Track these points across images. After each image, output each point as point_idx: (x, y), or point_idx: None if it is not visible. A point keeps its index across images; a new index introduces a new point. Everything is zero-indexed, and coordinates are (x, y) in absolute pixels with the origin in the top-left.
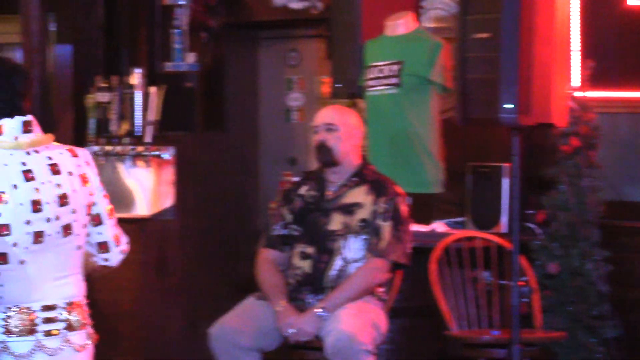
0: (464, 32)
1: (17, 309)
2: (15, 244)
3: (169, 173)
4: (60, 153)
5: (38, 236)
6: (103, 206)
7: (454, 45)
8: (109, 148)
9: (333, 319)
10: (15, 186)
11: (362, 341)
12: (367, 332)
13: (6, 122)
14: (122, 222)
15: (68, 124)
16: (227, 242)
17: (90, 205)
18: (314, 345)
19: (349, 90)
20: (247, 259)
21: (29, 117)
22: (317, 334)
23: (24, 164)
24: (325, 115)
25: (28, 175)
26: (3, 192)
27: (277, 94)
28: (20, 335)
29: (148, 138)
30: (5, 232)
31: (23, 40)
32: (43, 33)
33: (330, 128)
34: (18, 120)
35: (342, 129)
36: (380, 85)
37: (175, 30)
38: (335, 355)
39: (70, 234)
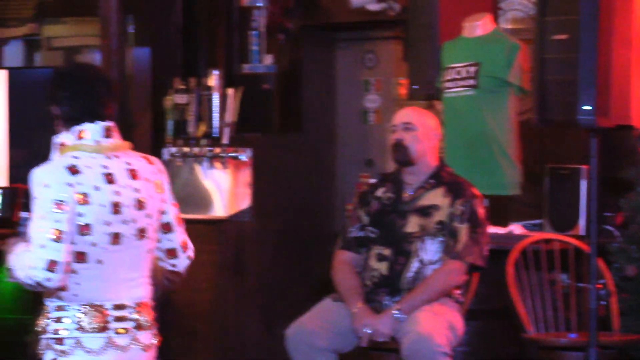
0: (542, 33)
1: (91, 307)
2: (94, 244)
3: (246, 174)
4: (138, 160)
5: (116, 237)
6: (173, 214)
7: (532, 46)
8: (186, 149)
9: (410, 320)
10: (97, 188)
11: (438, 343)
12: (444, 334)
13: (88, 126)
14: (199, 224)
15: (146, 125)
16: (304, 243)
17: (162, 212)
18: (390, 347)
19: (426, 92)
20: (324, 261)
21: (111, 123)
22: (393, 335)
23: (105, 167)
24: (404, 114)
25: (109, 178)
26: (86, 194)
27: (354, 95)
28: (93, 332)
29: (225, 140)
30: (86, 232)
31: (102, 42)
32: (122, 35)
33: (407, 127)
34: (100, 125)
35: (419, 129)
36: (457, 87)
37: (253, 32)
38: (411, 356)
39: (144, 237)
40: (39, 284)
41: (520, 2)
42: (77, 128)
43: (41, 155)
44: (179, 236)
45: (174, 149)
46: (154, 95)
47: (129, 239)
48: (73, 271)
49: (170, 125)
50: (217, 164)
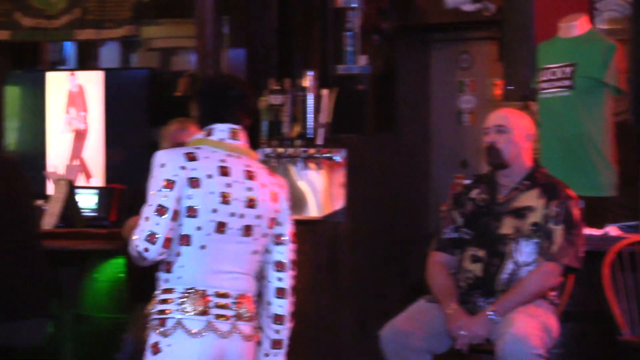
0: (638, 33)
1: (194, 291)
2: (199, 228)
3: (340, 175)
4: (259, 167)
5: (221, 226)
6: (288, 229)
7: (628, 47)
8: (280, 150)
9: (504, 322)
10: (210, 176)
11: (533, 345)
12: (539, 336)
13: (217, 126)
14: (294, 224)
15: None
16: (398, 244)
17: (276, 223)
18: (485, 349)
19: (521, 93)
20: (418, 262)
21: (238, 127)
22: (487, 337)
23: (222, 160)
24: (497, 116)
25: (224, 171)
26: (198, 179)
27: (449, 96)
28: (194, 315)
29: (320, 140)
30: (192, 214)
31: (197, 43)
32: (217, 37)
33: (500, 130)
34: (227, 126)
35: (513, 131)
36: (553, 88)
37: (348, 33)
38: (506, 358)
39: (250, 235)
40: (139, 253)
41: (616, 2)
42: (208, 127)
43: (136, 155)
44: (290, 252)
45: (268, 150)
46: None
47: (234, 233)
48: (178, 253)
49: (264, 126)
50: (312, 165)
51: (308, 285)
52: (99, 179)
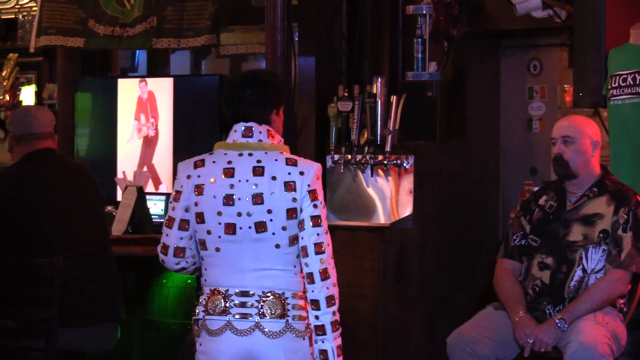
0: None
1: (216, 291)
2: (209, 232)
3: (409, 182)
4: (275, 160)
5: (230, 227)
6: (308, 213)
7: None
8: (349, 157)
9: (572, 329)
10: (213, 180)
11: (601, 353)
12: (607, 343)
13: (234, 126)
14: (362, 231)
15: (311, 133)
16: (466, 250)
17: (294, 211)
18: (552, 356)
19: (592, 100)
20: (486, 269)
21: (250, 124)
22: (555, 345)
23: (229, 162)
24: (563, 126)
25: (228, 173)
26: (203, 184)
27: (519, 103)
28: (214, 315)
29: (388, 147)
30: (200, 221)
31: (267, 50)
32: (287, 43)
33: (567, 140)
34: (241, 125)
35: (579, 140)
36: (623, 95)
37: (417, 40)
38: None
39: (264, 231)
40: (162, 263)
41: None
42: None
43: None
44: (311, 235)
45: (337, 156)
46: (318, 102)
47: (246, 231)
48: (202, 258)
49: (333, 132)
50: (380, 171)
51: (376, 292)
52: (167, 185)
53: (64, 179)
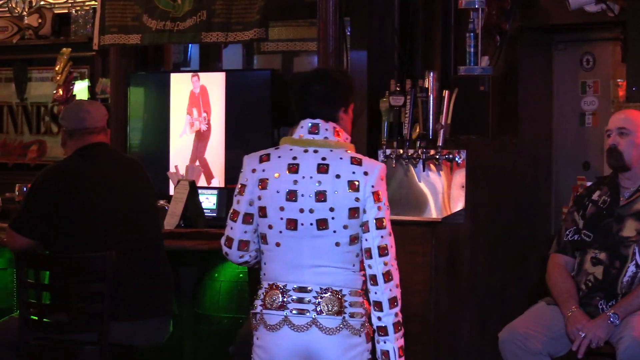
0: None
1: (274, 286)
2: (270, 226)
3: (461, 176)
4: (340, 158)
5: (291, 223)
6: (372, 215)
7: None
8: (401, 151)
9: (625, 325)
10: (277, 175)
11: None
12: None
13: (302, 122)
14: (414, 225)
15: (363, 127)
16: (518, 246)
17: (356, 210)
18: (605, 352)
19: None
20: (538, 264)
21: (317, 121)
22: (608, 340)
23: (294, 158)
24: (619, 118)
25: (293, 168)
26: (267, 179)
27: (571, 97)
28: (272, 309)
29: (440, 141)
30: (263, 215)
31: (319, 45)
32: (339, 38)
33: (622, 132)
34: (308, 121)
35: (635, 133)
36: None
37: (470, 34)
38: None
39: (325, 228)
40: (225, 256)
41: None
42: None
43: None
44: (375, 238)
45: (388, 151)
46: (370, 97)
47: (307, 228)
48: (262, 252)
49: (385, 127)
50: (432, 166)
51: (427, 287)
52: (219, 179)
53: (117, 174)
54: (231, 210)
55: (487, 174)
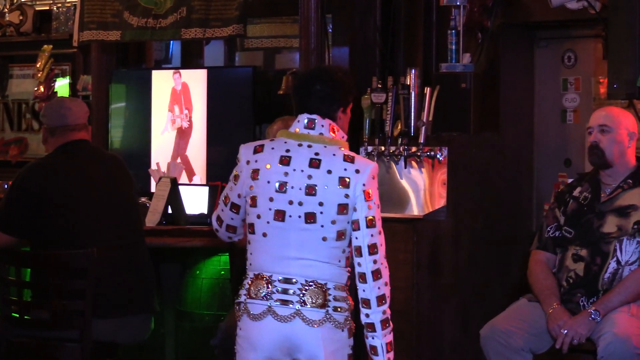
0: None
1: (260, 276)
2: (259, 216)
3: (442, 173)
4: (333, 154)
5: (279, 214)
6: (363, 214)
7: None
8: (382, 148)
9: (606, 321)
10: (268, 166)
11: (636, 345)
12: None
13: (299, 117)
14: (395, 222)
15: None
16: (500, 242)
17: (345, 207)
18: (586, 348)
19: (626, 91)
20: (520, 261)
21: (314, 116)
22: (589, 336)
23: (287, 151)
24: (600, 116)
25: (284, 161)
26: (259, 169)
27: (553, 94)
28: (256, 299)
29: (422, 139)
30: (253, 204)
31: (301, 42)
32: (321, 35)
33: (604, 129)
34: (305, 116)
35: (616, 130)
36: None
37: (451, 31)
38: (608, 358)
39: (313, 222)
40: (215, 232)
41: None
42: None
43: (237, 153)
44: (365, 236)
45: (370, 148)
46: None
47: (295, 220)
48: (249, 241)
49: (367, 124)
50: (413, 163)
51: (409, 284)
52: (201, 176)
53: (98, 171)
54: (224, 193)
55: (469, 171)
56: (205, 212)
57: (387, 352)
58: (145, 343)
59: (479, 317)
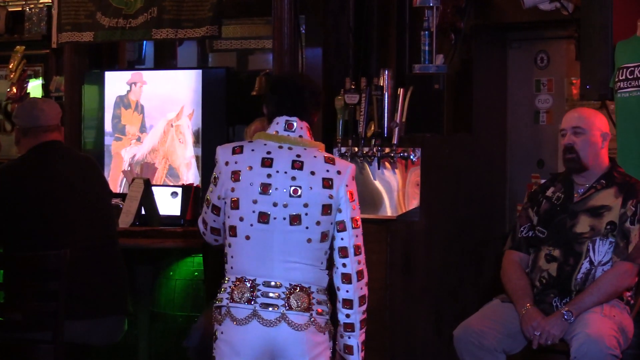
0: None
1: (242, 280)
2: (241, 219)
3: (416, 174)
4: (314, 156)
5: (263, 216)
6: (348, 215)
7: None
8: (356, 149)
9: (579, 322)
10: (250, 168)
11: (608, 345)
12: (614, 336)
13: (276, 119)
14: (369, 223)
15: (318, 125)
16: (473, 243)
17: (329, 208)
18: (559, 349)
19: (599, 92)
20: (493, 261)
21: (293, 119)
22: (562, 337)
23: (268, 152)
24: (573, 117)
25: (266, 162)
26: (239, 171)
27: (526, 95)
28: (240, 303)
29: (395, 139)
30: (235, 207)
31: (274, 43)
32: (294, 36)
33: (577, 131)
34: (283, 119)
35: (589, 131)
36: (630, 87)
37: (424, 32)
38: (581, 359)
39: (298, 224)
40: (202, 235)
41: None
42: (273, 121)
43: (212, 154)
44: (351, 237)
45: (343, 149)
46: (325, 95)
47: (280, 222)
48: (229, 244)
49: (340, 124)
50: (387, 164)
51: (382, 285)
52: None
53: (71, 172)
54: (206, 195)
55: (442, 172)
56: (179, 213)
57: (361, 350)
58: (118, 344)
59: (452, 318)
